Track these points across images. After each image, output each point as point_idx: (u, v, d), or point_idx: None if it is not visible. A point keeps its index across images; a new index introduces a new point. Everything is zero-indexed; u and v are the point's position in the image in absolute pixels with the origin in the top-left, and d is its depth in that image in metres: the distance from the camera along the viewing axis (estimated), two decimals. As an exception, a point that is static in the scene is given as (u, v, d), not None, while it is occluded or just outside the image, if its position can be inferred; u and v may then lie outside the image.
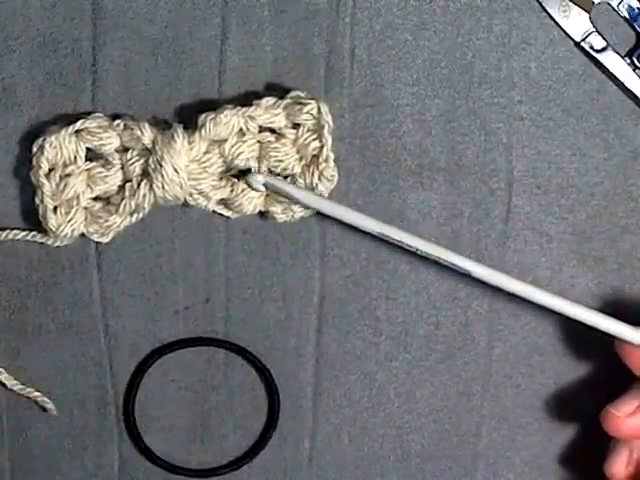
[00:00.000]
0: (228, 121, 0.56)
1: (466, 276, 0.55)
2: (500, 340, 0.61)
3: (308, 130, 0.57)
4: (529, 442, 0.62)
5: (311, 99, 0.56)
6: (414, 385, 0.61)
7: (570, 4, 0.58)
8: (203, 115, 0.56)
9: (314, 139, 0.57)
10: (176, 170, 0.56)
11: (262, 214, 0.59)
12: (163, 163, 0.56)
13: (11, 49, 0.57)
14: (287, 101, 0.57)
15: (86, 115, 0.57)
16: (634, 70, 0.58)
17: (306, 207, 0.57)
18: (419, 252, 0.55)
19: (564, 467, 0.62)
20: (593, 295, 0.60)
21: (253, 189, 0.57)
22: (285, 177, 0.58)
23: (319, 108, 0.56)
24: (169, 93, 0.58)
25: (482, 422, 0.61)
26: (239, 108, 0.56)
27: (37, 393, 0.59)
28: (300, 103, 0.56)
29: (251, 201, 0.58)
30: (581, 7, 0.58)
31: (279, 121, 0.57)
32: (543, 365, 0.61)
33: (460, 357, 0.61)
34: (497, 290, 0.59)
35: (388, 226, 0.55)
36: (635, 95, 0.58)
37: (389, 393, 0.61)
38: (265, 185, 0.56)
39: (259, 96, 0.57)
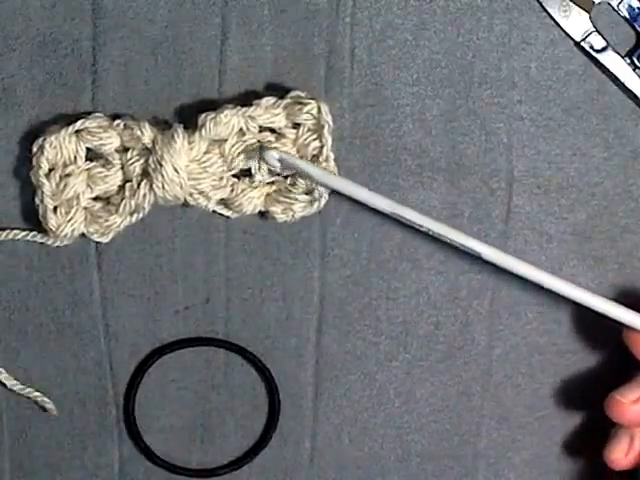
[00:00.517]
0: (228, 121, 0.56)
1: (477, 259, 0.55)
2: (500, 340, 0.61)
3: (308, 130, 0.57)
4: (530, 442, 0.62)
5: (311, 99, 0.56)
6: (414, 385, 0.61)
7: (570, 4, 0.58)
8: (203, 115, 0.56)
9: (314, 139, 0.57)
10: (176, 170, 0.56)
11: (262, 214, 0.59)
12: (163, 163, 0.55)
13: (11, 49, 0.57)
14: (287, 101, 0.57)
15: (86, 115, 0.57)
16: (634, 70, 0.58)
17: (320, 184, 0.56)
18: (431, 233, 0.55)
19: (564, 466, 0.62)
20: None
21: (268, 166, 0.56)
22: (285, 177, 0.58)
23: (319, 108, 0.56)
24: (169, 93, 0.58)
25: (482, 422, 0.61)
26: (239, 108, 0.56)
27: (37, 393, 0.59)
28: (300, 103, 0.56)
29: (251, 201, 0.58)
30: (581, 7, 0.58)
31: (279, 121, 0.57)
32: (543, 365, 0.61)
33: (460, 357, 0.61)
34: (498, 290, 0.60)
35: (400, 205, 0.55)
36: (635, 95, 0.58)
37: (389, 393, 0.61)
38: (280, 161, 0.56)
39: (259, 96, 0.57)
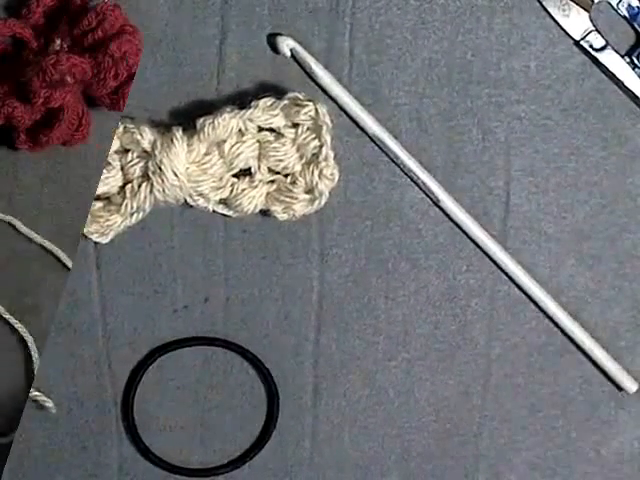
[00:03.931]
0: (226, 124, 0.56)
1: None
2: (500, 339, 0.61)
3: (307, 129, 0.57)
4: (530, 442, 0.61)
5: (309, 101, 0.56)
6: (414, 384, 0.61)
7: (570, 3, 0.58)
8: (201, 119, 0.56)
9: (313, 138, 0.57)
10: (176, 174, 0.56)
11: (263, 213, 0.58)
12: (163, 167, 0.55)
13: (10, 48, 0.57)
14: (285, 102, 0.56)
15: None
16: (633, 69, 0.58)
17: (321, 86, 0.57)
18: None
19: (565, 467, 0.62)
20: (592, 294, 0.60)
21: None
22: (285, 175, 0.58)
23: (317, 110, 0.56)
24: (168, 91, 0.58)
25: (483, 422, 0.61)
26: (237, 111, 0.56)
27: (36, 392, 0.59)
28: (298, 105, 0.56)
29: (252, 200, 0.57)
30: (581, 6, 0.58)
31: (278, 121, 0.57)
32: (543, 365, 0.61)
33: (460, 357, 0.61)
34: (497, 289, 0.60)
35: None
36: (634, 94, 0.58)
37: (389, 392, 0.61)
38: (292, 51, 0.56)
39: (257, 96, 0.57)
